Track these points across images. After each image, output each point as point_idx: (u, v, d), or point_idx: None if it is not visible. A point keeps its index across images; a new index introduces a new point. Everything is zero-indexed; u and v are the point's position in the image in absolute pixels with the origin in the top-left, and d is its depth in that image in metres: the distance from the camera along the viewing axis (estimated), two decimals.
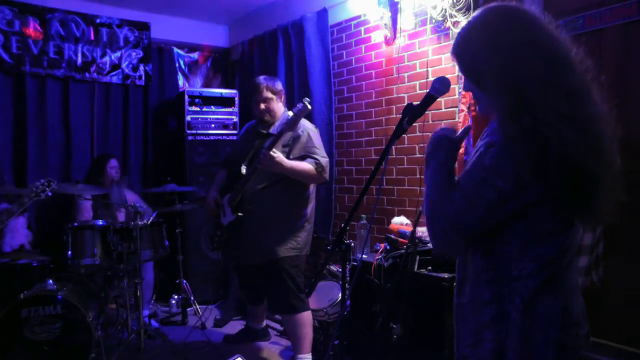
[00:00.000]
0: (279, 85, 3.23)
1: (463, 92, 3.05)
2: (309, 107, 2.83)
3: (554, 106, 1.08)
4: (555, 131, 1.07)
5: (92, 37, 4.63)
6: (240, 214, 3.10)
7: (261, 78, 3.22)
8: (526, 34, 1.14)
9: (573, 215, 1.17)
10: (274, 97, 3.17)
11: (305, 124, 3.06)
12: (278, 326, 3.90)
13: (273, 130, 3.16)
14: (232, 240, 3.20)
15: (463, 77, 1.28)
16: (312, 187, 3.21)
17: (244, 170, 3.07)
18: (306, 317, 3.12)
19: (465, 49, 1.23)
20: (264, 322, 3.75)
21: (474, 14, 1.24)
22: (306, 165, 2.99)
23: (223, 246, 3.28)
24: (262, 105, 3.16)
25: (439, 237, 1.22)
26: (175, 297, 4.29)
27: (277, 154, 2.87)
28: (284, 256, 3.06)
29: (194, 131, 4.66)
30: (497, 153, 1.13)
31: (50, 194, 3.01)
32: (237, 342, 3.62)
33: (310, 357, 3.13)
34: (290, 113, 2.89)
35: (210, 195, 3.34)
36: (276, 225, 3.07)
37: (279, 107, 3.22)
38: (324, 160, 3.04)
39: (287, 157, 3.01)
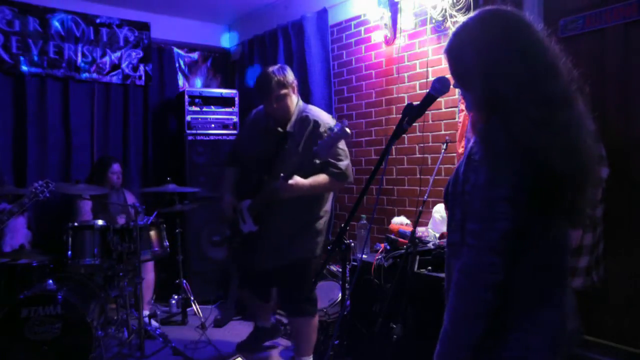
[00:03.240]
0: (290, 76, 2.88)
1: None
2: (348, 131, 2.50)
3: (525, 110, 1.11)
4: (523, 133, 1.10)
5: (92, 37, 4.63)
6: (263, 225, 2.94)
7: (270, 71, 2.85)
8: (514, 40, 1.17)
9: (551, 216, 1.18)
10: (287, 91, 2.84)
11: (328, 120, 2.85)
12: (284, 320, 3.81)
13: (289, 127, 2.89)
14: (251, 247, 3.03)
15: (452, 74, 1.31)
16: None
17: (266, 177, 2.86)
18: (316, 321, 3.08)
19: (455, 48, 1.26)
20: (272, 318, 3.59)
21: (471, 14, 1.27)
22: (323, 179, 2.79)
23: (239, 252, 3.14)
24: (275, 105, 2.84)
25: (486, 275, 1.15)
26: (175, 297, 4.28)
27: (294, 181, 2.68)
28: (305, 258, 2.96)
29: (194, 131, 4.65)
30: (487, 166, 1.14)
31: (48, 195, 3.04)
32: (251, 350, 3.39)
33: (312, 359, 3.11)
34: (325, 132, 2.67)
35: (226, 199, 3.06)
36: (299, 230, 2.95)
37: (293, 101, 2.90)
38: (344, 164, 2.83)
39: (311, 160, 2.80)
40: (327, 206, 3.04)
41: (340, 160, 2.82)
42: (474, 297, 1.15)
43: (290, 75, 2.88)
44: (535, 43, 1.18)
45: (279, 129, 2.92)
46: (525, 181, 1.10)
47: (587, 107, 1.19)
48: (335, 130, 2.48)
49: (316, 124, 2.84)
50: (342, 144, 2.85)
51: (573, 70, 1.20)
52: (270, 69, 2.88)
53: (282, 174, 2.68)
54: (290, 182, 2.67)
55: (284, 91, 2.83)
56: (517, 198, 1.10)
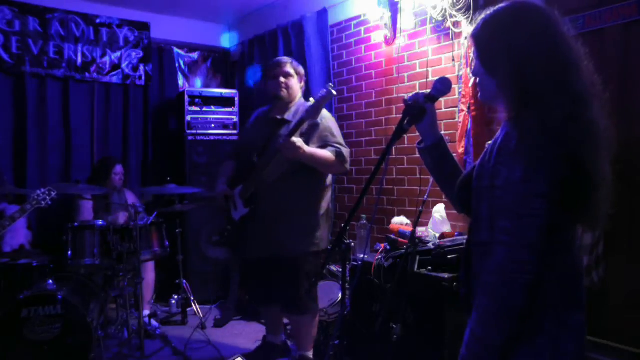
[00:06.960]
0: (302, 69, 3.10)
1: (463, 92, 3.05)
2: (334, 92, 2.65)
3: (560, 105, 1.10)
4: (560, 128, 1.09)
5: (92, 37, 4.63)
6: (253, 206, 2.90)
7: (284, 57, 3.15)
8: (548, 34, 1.17)
9: (574, 218, 1.17)
10: (295, 75, 3.01)
11: (323, 112, 2.85)
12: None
13: (288, 116, 2.93)
14: (243, 234, 2.99)
15: (474, 61, 1.29)
16: (329, 179, 3.06)
17: (256, 159, 2.87)
18: (316, 318, 3.10)
19: (485, 35, 1.24)
20: (283, 335, 3.36)
21: (502, 4, 1.25)
22: (327, 154, 2.81)
23: (233, 241, 3.08)
24: (282, 79, 2.96)
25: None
26: (175, 297, 4.28)
27: (299, 140, 2.69)
28: (304, 253, 2.90)
29: (194, 131, 4.65)
30: (522, 161, 1.11)
31: (50, 202, 3.06)
32: None
33: (312, 353, 3.13)
34: (312, 100, 2.71)
35: (219, 188, 3.07)
36: (293, 219, 2.89)
37: (298, 89, 3.04)
38: (345, 149, 2.88)
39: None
40: (325, 202, 3.02)
41: (341, 144, 2.88)
42: (507, 296, 1.11)
43: (301, 68, 3.10)
44: (563, 41, 1.17)
45: (278, 117, 2.96)
46: (559, 178, 1.08)
47: (604, 110, 1.17)
48: (321, 93, 2.63)
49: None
50: (337, 132, 2.93)
51: (594, 73, 1.19)
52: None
53: (282, 133, 2.77)
54: (293, 139, 2.67)
55: (292, 71, 3.00)
56: (552, 195, 1.09)
